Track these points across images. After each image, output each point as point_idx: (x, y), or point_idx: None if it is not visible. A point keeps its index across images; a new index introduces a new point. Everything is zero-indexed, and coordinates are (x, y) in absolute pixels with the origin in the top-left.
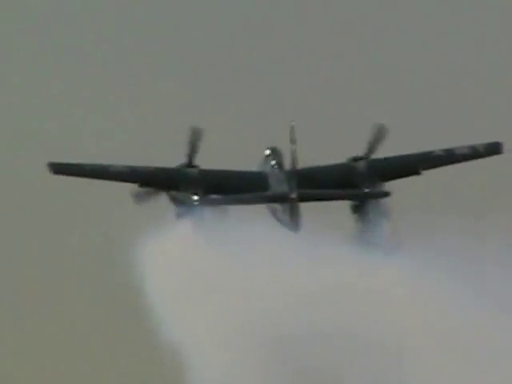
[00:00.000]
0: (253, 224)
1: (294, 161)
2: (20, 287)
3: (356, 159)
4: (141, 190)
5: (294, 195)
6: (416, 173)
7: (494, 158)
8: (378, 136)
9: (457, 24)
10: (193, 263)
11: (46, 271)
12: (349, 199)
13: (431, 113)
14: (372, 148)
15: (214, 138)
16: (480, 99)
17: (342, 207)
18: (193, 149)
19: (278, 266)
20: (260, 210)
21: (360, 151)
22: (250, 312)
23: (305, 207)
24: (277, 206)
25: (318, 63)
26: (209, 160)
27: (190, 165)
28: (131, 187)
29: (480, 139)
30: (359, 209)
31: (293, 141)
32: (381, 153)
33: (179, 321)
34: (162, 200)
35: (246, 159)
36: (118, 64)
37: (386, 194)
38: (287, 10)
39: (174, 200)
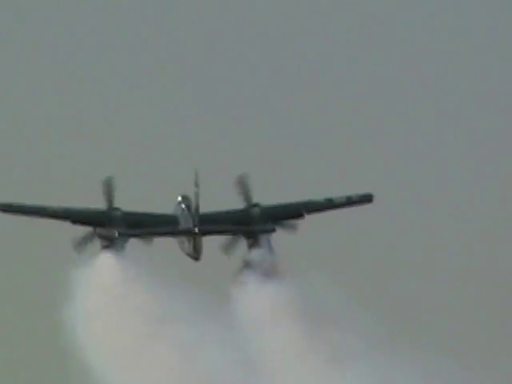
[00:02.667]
0: (162, 254)
1: (197, 202)
2: None
3: (252, 205)
4: (80, 238)
5: (196, 229)
6: (301, 216)
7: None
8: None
9: None
10: (113, 287)
11: None
12: (241, 232)
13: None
14: None
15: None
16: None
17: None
18: (109, 195)
19: None
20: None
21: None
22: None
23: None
24: (184, 239)
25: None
26: (128, 203)
27: (112, 207)
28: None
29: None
30: (252, 244)
31: (196, 184)
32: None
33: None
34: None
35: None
36: None
37: (273, 230)
38: None
39: (100, 235)
